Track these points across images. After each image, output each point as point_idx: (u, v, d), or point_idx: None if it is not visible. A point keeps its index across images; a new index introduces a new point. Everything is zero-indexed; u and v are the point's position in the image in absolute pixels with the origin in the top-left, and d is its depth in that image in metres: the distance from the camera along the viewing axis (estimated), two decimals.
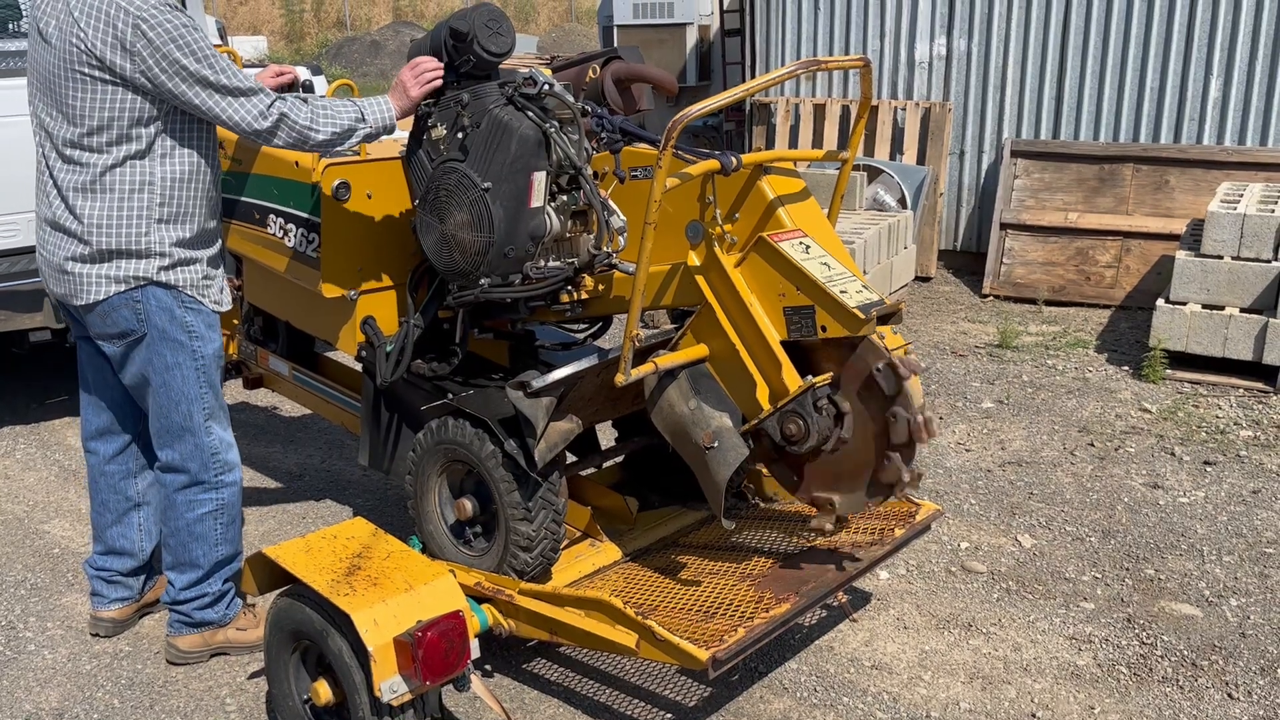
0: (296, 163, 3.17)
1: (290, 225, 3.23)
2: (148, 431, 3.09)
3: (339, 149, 2.90)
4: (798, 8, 7.85)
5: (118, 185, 2.79)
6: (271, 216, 3.30)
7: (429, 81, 2.83)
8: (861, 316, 2.44)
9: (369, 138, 2.90)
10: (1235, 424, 4.82)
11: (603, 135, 2.89)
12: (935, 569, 3.65)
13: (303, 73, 3.43)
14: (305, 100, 2.84)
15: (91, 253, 2.83)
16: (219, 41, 6.71)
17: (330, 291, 3.17)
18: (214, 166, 2.97)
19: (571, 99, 2.75)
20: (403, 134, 3.39)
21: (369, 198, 3.16)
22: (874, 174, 7.27)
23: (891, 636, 3.26)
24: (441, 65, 2.84)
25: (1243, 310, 5.24)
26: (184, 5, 5.65)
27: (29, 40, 2.85)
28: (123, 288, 2.85)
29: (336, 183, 3.07)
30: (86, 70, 2.70)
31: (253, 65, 4.30)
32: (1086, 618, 3.35)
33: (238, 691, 3.05)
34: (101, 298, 2.86)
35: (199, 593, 3.10)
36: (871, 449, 2.57)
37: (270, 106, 2.77)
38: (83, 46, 2.69)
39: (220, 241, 3.07)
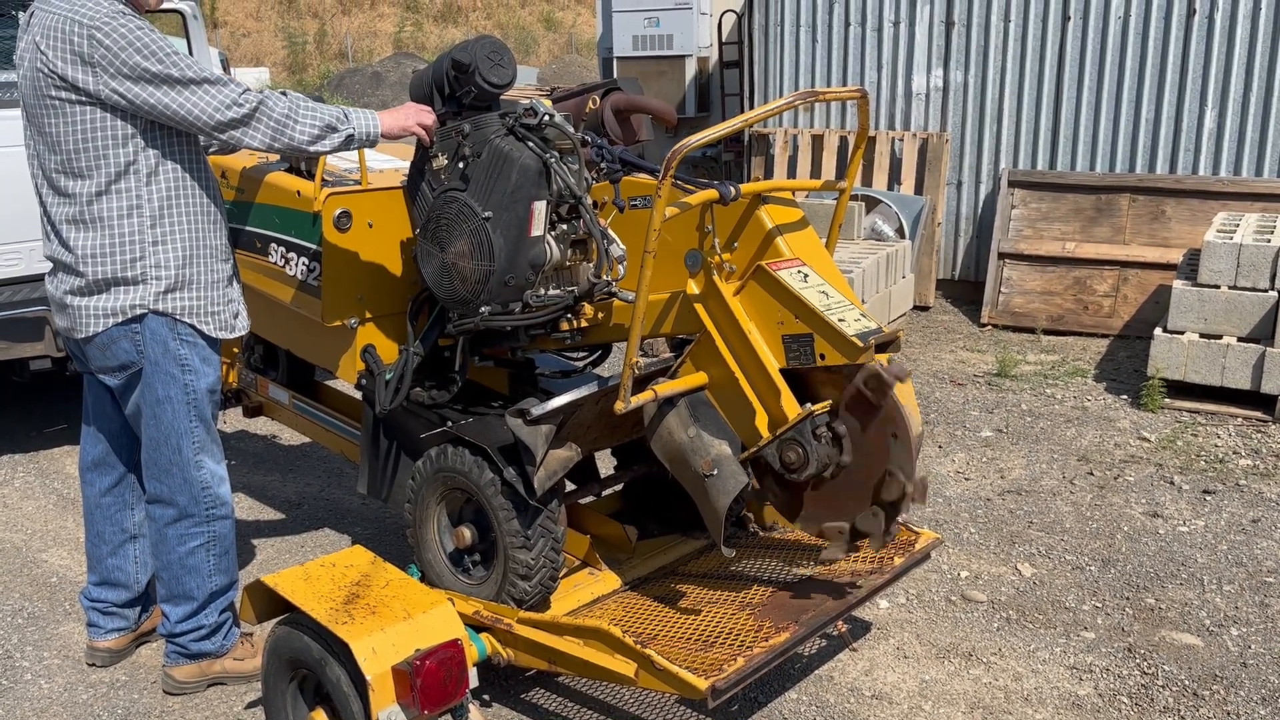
0: (298, 192, 3.19)
1: (292, 254, 3.24)
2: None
3: (317, 149, 2.81)
4: (795, 40, 7.92)
5: (107, 214, 2.77)
6: (273, 245, 3.32)
7: (425, 126, 2.86)
8: (860, 344, 2.45)
9: (349, 140, 2.83)
10: (1234, 453, 4.82)
11: (602, 165, 2.92)
12: (935, 598, 3.64)
13: None
14: (285, 94, 2.81)
15: (87, 284, 2.81)
16: (221, 73, 6.76)
17: (331, 320, 3.18)
18: (206, 182, 2.91)
19: (571, 129, 2.78)
20: (404, 163, 3.42)
21: (370, 227, 3.18)
22: (872, 204, 7.31)
23: (891, 666, 3.25)
24: (435, 127, 2.88)
25: (1240, 339, 5.26)
26: (188, 37, 5.70)
27: (17, 76, 2.84)
28: (120, 319, 2.83)
29: (338, 212, 3.09)
30: (55, 93, 2.69)
31: None
32: (1087, 647, 3.34)
33: None
34: (100, 330, 2.85)
35: (195, 625, 3.08)
36: (871, 477, 2.57)
37: (243, 94, 2.73)
38: (47, 70, 2.68)
39: (230, 261, 3.02)
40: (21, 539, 4.25)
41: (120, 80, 2.66)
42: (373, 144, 2.88)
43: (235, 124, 2.73)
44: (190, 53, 5.83)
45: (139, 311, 2.84)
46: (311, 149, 2.80)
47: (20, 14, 4.98)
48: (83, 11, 2.66)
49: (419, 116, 2.86)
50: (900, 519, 2.60)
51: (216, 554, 3.06)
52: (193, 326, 2.90)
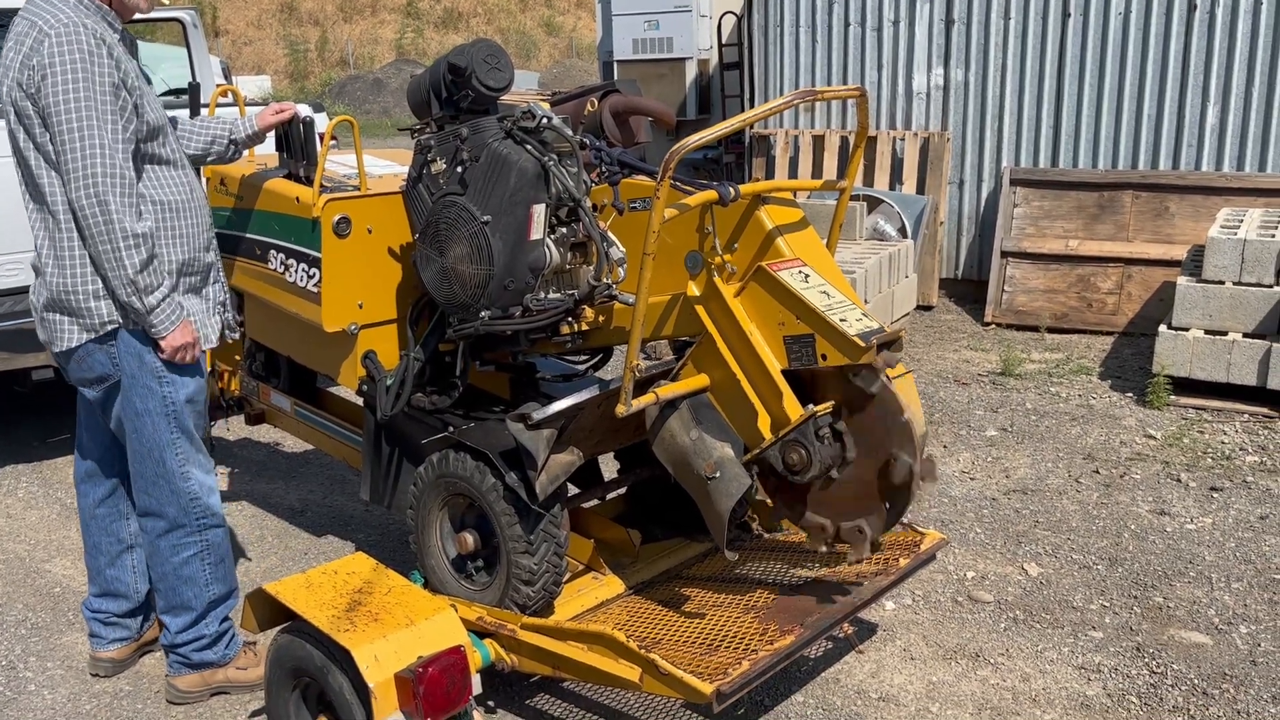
0: (297, 198, 3.18)
1: (291, 261, 3.23)
2: None
3: (129, 284, 2.69)
4: (795, 40, 7.91)
5: (73, 230, 2.73)
6: (273, 252, 3.31)
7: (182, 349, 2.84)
8: (862, 344, 2.43)
9: (148, 308, 2.73)
10: (1241, 449, 4.79)
11: (601, 168, 2.91)
12: (941, 599, 3.62)
13: (303, 110, 3.44)
14: (144, 239, 2.68)
15: (60, 299, 2.80)
16: (222, 81, 6.74)
17: (331, 326, 3.17)
18: (177, 195, 2.87)
19: (570, 132, 2.77)
20: (403, 169, 3.41)
21: (369, 232, 3.17)
22: (874, 204, 7.29)
23: (898, 668, 3.23)
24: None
25: (1245, 335, 5.23)
26: (189, 46, 5.68)
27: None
28: (93, 335, 2.82)
29: (337, 218, 3.08)
30: (21, 104, 2.66)
31: (255, 104, 4.31)
32: (1095, 647, 3.32)
33: None
34: (75, 344, 2.84)
35: (195, 635, 3.07)
36: (873, 475, 2.56)
37: (121, 197, 2.61)
38: (11, 78, 2.66)
39: (207, 273, 2.99)
40: (25, 549, 4.24)
41: (37, 89, 2.61)
42: (153, 333, 2.79)
43: (92, 208, 2.62)
44: (191, 61, 5.82)
45: (110, 327, 2.82)
46: (122, 277, 2.69)
47: None
48: (45, 18, 2.64)
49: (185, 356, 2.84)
50: (914, 496, 2.55)
51: (212, 563, 3.05)
52: None
